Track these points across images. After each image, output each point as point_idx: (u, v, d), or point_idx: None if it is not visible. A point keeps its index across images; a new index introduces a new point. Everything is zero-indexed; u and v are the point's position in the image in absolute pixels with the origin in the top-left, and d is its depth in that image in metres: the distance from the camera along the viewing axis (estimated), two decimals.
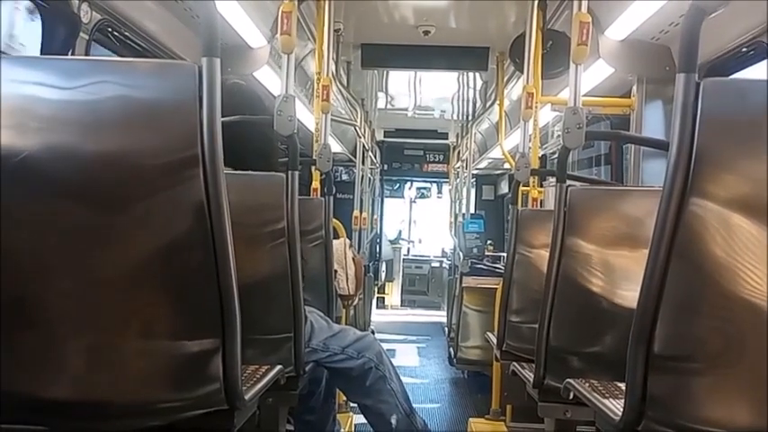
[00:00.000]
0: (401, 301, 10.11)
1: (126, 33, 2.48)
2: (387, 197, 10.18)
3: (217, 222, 1.09)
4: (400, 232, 10.63)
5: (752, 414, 1.07)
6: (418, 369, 5.81)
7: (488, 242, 5.58)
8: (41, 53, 2.03)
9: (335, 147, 6.08)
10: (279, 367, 1.58)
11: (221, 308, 1.13)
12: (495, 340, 2.62)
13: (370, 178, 6.72)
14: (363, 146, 5.69)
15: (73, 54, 2.10)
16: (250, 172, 1.82)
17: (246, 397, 1.26)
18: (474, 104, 6.38)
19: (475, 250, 5.00)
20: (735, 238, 1.02)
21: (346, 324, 3.14)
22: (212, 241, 1.10)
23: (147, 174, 1.11)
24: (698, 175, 1.02)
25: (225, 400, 1.18)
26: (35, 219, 1.11)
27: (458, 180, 7.17)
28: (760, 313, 1.03)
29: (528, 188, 3.36)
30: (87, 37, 2.18)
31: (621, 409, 1.19)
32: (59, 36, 2.08)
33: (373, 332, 4.47)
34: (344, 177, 8.43)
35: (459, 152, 7.12)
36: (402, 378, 2.32)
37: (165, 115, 1.11)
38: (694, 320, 1.08)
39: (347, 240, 3.21)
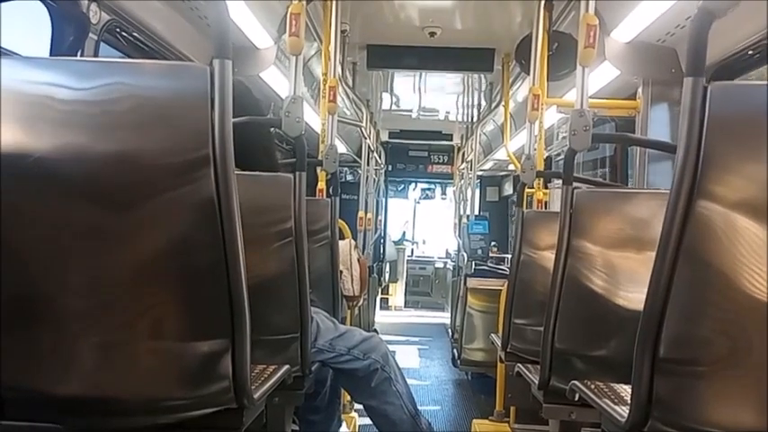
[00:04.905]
0: (405, 303, 10.11)
1: (134, 34, 2.49)
2: (391, 198, 10.18)
3: (227, 223, 1.10)
4: (404, 233, 10.62)
5: (758, 416, 1.07)
6: (422, 370, 5.81)
7: (492, 244, 5.58)
8: (51, 54, 2.05)
9: (340, 148, 6.08)
10: (286, 367, 1.58)
11: (231, 307, 1.14)
12: (499, 342, 2.62)
13: (374, 179, 6.73)
14: (368, 147, 5.69)
15: (82, 55, 2.11)
16: (258, 173, 1.83)
17: (255, 396, 1.27)
18: (479, 106, 6.37)
19: (479, 252, 5.01)
20: (742, 242, 1.03)
21: (351, 325, 3.15)
22: (223, 241, 1.11)
23: (159, 174, 1.12)
24: (705, 178, 1.03)
25: (234, 398, 1.19)
26: (48, 218, 1.12)
27: (462, 181, 7.18)
28: (765, 315, 1.03)
29: (533, 190, 3.36)
30: (96, 37, 2.19)
31: (627, 411, 1.19)
32: (68, 37, 2.10)
33: (377, 332, 4.48)
34: (349, 178, 8.44)
35: (463, 153, 7.11)
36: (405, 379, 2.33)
37: (177, 116, 1.12)
38: (701, 323, 1.09)
39: (352, 241, 3.22)
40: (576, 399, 1.64)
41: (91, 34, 2.16)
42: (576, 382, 1.63)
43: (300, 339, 1.81)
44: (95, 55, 2.19)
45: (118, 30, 2.39)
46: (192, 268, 1.15)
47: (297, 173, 1.79)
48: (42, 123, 1.11)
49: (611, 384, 1.59)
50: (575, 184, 1.87)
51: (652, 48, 3.04)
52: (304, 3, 2.16)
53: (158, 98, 1.12)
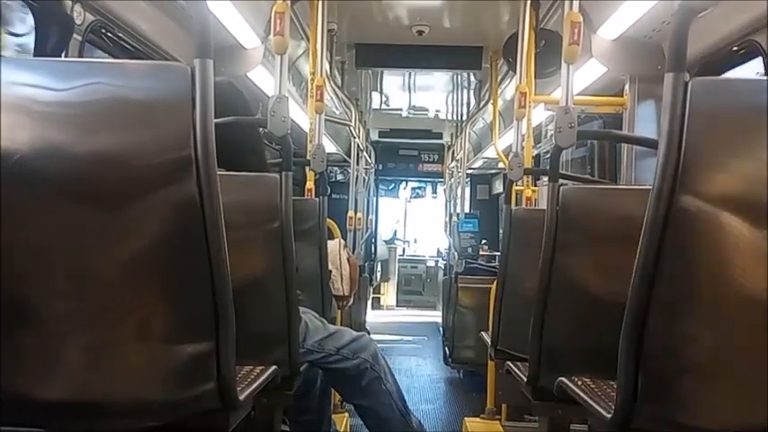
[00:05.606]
0: (396, 302, 10.12)
1: (119, 34, 2.48)
2: (382, 197, 10.18)
3: (211, 223, 1.10)
4: (395, 232, 10.63)
5: (741, 412, 1.08)
6: (414, 369, 5.82)
7: (483, 242, 5.59)
8: (34, 55, 2.03)
9: (330, 147, 6.08)
10: (273, 368, 1.58)
11: (216, 308, 1.13)
12: (489, 339, 2.62)
13: (364, 178, 6.73)
14: (358, 146, 5.69)
15: (66, 55, 2.10)
16: (244, 173, 1.82)
17: (241, 397, 1.26)
18: (468, 104, 6.39)
19: (470, 250, 5.01)
20: (724, 236, 1.03)
21: (341, 325, 3.14)
22: (206, 242, 1.10)
23: (141, 174, 1.11)
24: (687, 174, 1.03)
25: (220, 400, 1.19)
26: (30, 220, 1.11)
27: (452, 180, 7.18)
28: (748, 311, 1.04)
29: (522, 187, 3.36)
30: (80, 38, 2.18)
31: (613, 407, 1.19)
32: (52, 37, 2.08)
33: (368, 332, 4.48)
34: (339, 177, 8.43)
35: (453, 152, 7.13)
36: (397, 378, 2.33)
37: (159, 116, 1.11)
38: (684, 319, 1.09)
39: (342, 241, 3.22)
40: (565, 396, 1.64)
41: (75, 35, 2.15)
42: (563, 378, 1.63)
43: (289, 340, 1.81)
44: (80, 56, 2.18)
45: (103, 30, 2.37)
46: (176, 269, 1.14)
47: (283, 172, 1.78)
48: (24, 124, 1.10)
49: (599, 381, 1.59)
50: (562, 181, 1.87)
51: (638, 44, 3.06)
52: (289, 2, 2.15)
53: (140, 98, 1.11)
